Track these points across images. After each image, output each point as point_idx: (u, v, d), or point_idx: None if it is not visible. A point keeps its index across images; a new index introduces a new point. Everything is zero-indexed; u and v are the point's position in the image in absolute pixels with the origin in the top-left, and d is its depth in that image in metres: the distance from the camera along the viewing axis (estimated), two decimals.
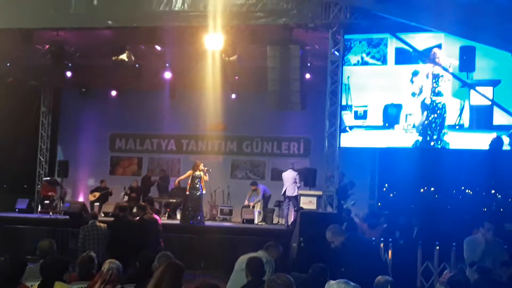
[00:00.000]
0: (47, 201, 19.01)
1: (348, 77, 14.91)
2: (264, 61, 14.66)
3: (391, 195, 18.27)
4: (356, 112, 15.31)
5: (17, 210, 18.19)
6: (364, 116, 15.32)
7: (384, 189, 18.51)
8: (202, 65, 16.19)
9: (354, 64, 15.13)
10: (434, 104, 14.71)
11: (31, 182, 21.30)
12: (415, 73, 14.79)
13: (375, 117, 15.11)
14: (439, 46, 14.54)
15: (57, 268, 6.09)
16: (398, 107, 15.16)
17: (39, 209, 19.21)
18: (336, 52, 13.77)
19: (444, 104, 14.68)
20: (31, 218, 17.03)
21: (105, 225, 12.22)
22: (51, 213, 18.11)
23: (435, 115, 14.66)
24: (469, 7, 9.08)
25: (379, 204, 17.84)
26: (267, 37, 14.60)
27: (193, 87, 17.87)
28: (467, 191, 16.10)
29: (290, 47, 14.09)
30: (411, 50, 14.36)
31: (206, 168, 16.37)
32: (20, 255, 7.79)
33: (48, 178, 20.52)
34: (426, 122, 14.65)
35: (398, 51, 14.95)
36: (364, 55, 15.21)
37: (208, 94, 17.05)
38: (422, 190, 17.11)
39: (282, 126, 19.68)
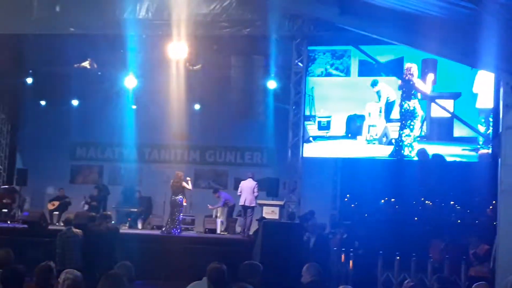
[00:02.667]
0: (5, 210, 18.59)
1: (312, 88, 15.05)
2: (228, 71, 14.72)
3: (352, 205, 18.42)
4: (319, 123, 15.47)
5: None
6: (327, 126, 15.49)
7: (346, 199, 18.65)
8: (165, 74, 16.14)
9: (318, 75, 15.29)
10: (402, 116, 14.95)
11: None
12: (374, 83, 15.03)
13: (338, 128, 15.29)
14: (401, 59, 14.81)
15: (16, 278, 5.96)
16: (361, 118, 15.37)
17: None
18: (299, 63, 13.91)
19: (412, 115, 14.95)
20: None
21: (81, 231, 12.02)
22: (9, 222, 17.73)
23: (403, 126, 14.92)
24: (431, 22, 9.27)
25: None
26: (232, 47, 14.67)
27: (157, 96, 17.75)
28: (427, 202, 16.36)
29: (254, 57, 14.21)
30: (373, 62, 14.57)
31: (188, 178, 16.28)
32: None
33: (6, 186, 20.09)
34: (394, 133, 14.88)
35: (362, 63, 15.17)
36: (328, 66, 15.39)
37: (171, 103, 16.94)
38: (382, 201, 17.32)
39: (245, 136, 19.68)
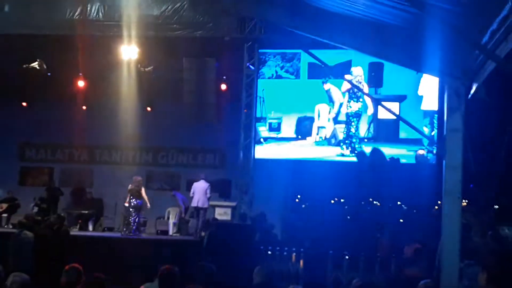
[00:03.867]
0: None
1: (263, 90, 15.21)
2: (180, 73, 14.78)
3: (303, 206, 18.63)
4: (270, 124, 15.65)
5: None
6: (278, 128, 15.70)
7: (297, 200, 18.86)
8: (117, 75, 16.07)
9: (269, 78, 15.48)
10: (351, 119, 15.26)
11: None
12: (324, 81, 15.30)
13: (289, 130, 15.48)
14: (349, 63, 15.13)
15: None
16: (310, 120, 15.62)
17: None
18: (251, 66, 14.07)
19: (358, 117, 15.29)
20: None
21: (32, 234, 11.86)
22: None
23: (351, 127, 15.23)
24: (378, 26, 9.50)
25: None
26: (183, 49, 14.72)
27: (108, 97, 17.60)
28: (374, 202, 16.72)
29: (206, 59, 14.29)
30: (322, 65, 14.82)
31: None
32: None
33: None
34: (342, 134, 15.18)
35: (311, 65, 15.42)
36: (278, 69, 15.59)
37: (123, 104, 16.86)
38: (332, 201, 17.60)
39: (197, 138, 19.69)
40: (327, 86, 15.58)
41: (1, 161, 20.59)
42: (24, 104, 19.79)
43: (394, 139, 15.12)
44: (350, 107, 15.49)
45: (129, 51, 14.25)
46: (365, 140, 15.07)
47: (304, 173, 17.10)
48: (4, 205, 18.72)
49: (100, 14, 14.02)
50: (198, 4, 13.54)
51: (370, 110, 15.44)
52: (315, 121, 15.48)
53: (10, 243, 11.77)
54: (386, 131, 15.23)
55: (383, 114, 15.07)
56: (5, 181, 20.51)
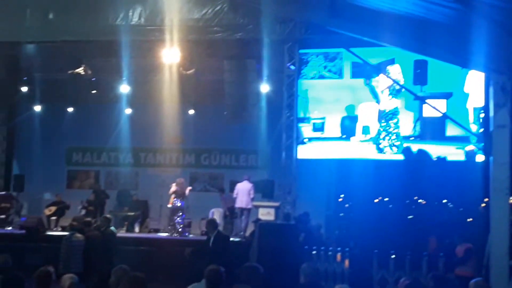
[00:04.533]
0: (2, 216, 18.65)
1: (306, 90, 15.15)
2: (221, 75, 14.84)
3: (346, 205, 18.53)
4: (314, 124, 15.57)
5: None
6: (321, 128, 15.60)
7: (340, 199, 18.77)
8: (159, 79, 16.27)
9: (312, 78, 15.41)
10: (389, 116, 15.10)
11: None
12: (368, 86, 15.17)
13: (333, 129, 15.39)
14: (392, 60, 14.96)
15: (17, 284, 6.08)
16: (354, 119, 15.49)
17: None
18: (291, 66, 14.04)
19: (398, 116, 15.11)
20: None
21: (83, 236, 12.13)
22: (6, 228, 17.80)
23: (390, 126, 15.06)
24: (422, 24, 9.38)
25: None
26: (224, 51, 14.80)
27: (151, 100, 17.85)
28: (419, 201, 16.50)
29: (247, 61, 14.33)
30: (365, 64, 14.73)
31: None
32: None
33: (3, 193, 20.16)
34: (383, 133, 15.03)
35: (354, 64, 15.29)
36: (321, 69, 15.51)
37: (165, 107, 17.05)
38: (376, 200, 17.45)
39: (240, 139, 19.79)
40: (371, 82, 15.42)
41: (50, 165, 21.08)
42: (70, 109, 20.21)
43: (440, 136, 14.87)
44: (389, 105, 15.33)
45: (171, 55, 14.39)
46: (411, 138, 14.86)
47: (347, 173, 17.02)
48: (53, 208, 19.15)
49: (142, 19, 14.19)
50: (238, 7, 13.60)
51: (411, 108, 15.18)
52: (359, 120, 15.36)
53: (62, 245, 12.05)
54: (432, 129, 14.98)
55: (428, 112, 14.83)
56: (53, 184, 21.03)
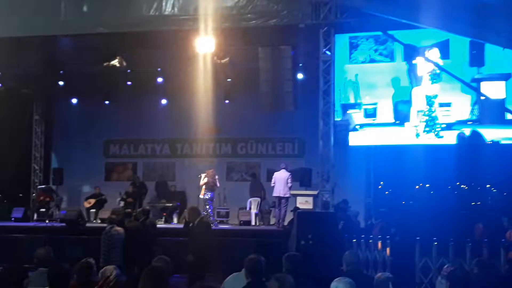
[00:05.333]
0: (43, 209, 18.92)
1: (356, 75, 14.81)
2: (256, 63, 14.70)
3: (386, 192, 18.26)
4: (366, 110, 15.19)
5: (13, 219, 18.12)
6: (374, 114, 15.21)
7: (380, 186, 18.50)
8: (194, 68, 16.20)
9: (362, 62, 15.03)
10: (431, 102, 14.69)
11: (26, 191, 21.24)
12: (410, 69, 14.76)
13: (386, 115, 15.01)
14: (446, 42, 14.40)
15: (63, 276, 6.08)
16: (408, 103, 15.02)
17: (35, 217, 19.09)
18: (327, 52, 13.82)
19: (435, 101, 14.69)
20: (27, 226, 16.91)
21: (122, 229, 12.20)
22: (47, 221, 18.05)
23: (431, 111, 14.66)
24: (473, 6, 9.05)
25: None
26: (258, 38, 14.64)
27: (186, 91, 17.79)
28: (462, 186, 16.12)
29: (281, 48, 14.15)
30: (403, 47, 14.35)
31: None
32: (19, 264, 7.76)
33: (43, 186, 20.45)
34: (427, 117, 14.65)
35: (407, 47, 14.78)
36: (372, 52, 15.10)
37: (200, 97, 16.97)
38: (417, 187, 17.13)
39: (276, 127, 19.67)
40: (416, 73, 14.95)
41: (88, 158, 21.32)
42: (106, 101, 20.35)
43: (500, 120, 14.28)
44: (431, 90, 14.92)
45: (205, 44, 14.30)
46: (469, 122, 14.37)
47: (386, 159, 16.75)
48: (92, 201, 19.37)
49: (175, 8, 14.13)
50: None
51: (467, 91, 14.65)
52: (413, 105, 14.92)
53: (102, 239, 12.12)
54: (491, 112, 14.40)
55: (488, 94, 14.23)
56: (92, 177, 21.27)
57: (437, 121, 14.65)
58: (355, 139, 14.70)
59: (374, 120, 15.16)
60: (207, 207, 16.67)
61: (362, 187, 18.40)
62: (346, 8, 13.30)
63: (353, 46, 14.50)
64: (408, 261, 11.97)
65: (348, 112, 15.50)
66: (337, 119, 14.72)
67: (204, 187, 16.75)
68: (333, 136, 14.02)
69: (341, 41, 15.15)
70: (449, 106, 14.97)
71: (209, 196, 16.73)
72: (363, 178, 18.46)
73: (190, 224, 11.09)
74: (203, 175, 16.94)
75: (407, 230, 13.03)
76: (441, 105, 14.83)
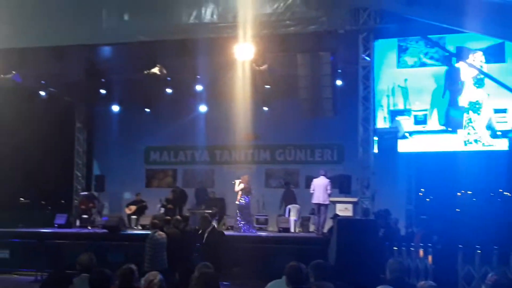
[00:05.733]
0: (85, 216, 19.21)
1: (406, 79, 14.40)
2: (294, 69, 14.66)
3: (427, 199, 17.99)
4: (416, 117, 14.76)
5: (56, 225, 18.40)
6: (424, 120, 14.74)
7: (421, 193, 18.23)
8: (232, 75, 16.28)
9: (412, 66, 14.60)
10: (475, 106, 14.30)
11: (69, 197, 21.60)
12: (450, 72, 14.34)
13: (437, 122, 14.50)
14: (502, 45, 13.91)
15: (104, 281, 6.15)
16: (461, 109, 14.50)
17: (77, 223, 19.39)
18: (366, 57, 13.71)
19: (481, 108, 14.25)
20: (70, 232, 17.18)
21: (165, 234, 12.24)
22: (89, 227, 18.30)
23: (475, 115, 14.28)
24: (502, 7, 8.90)
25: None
26: (297, 45, 14.62)
27: (225, 98, 17.89)
28: (505, 193, 15.76)
29: (320, 54, 14.08)
30: (446, 53, 14.03)
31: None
32: (63, 270, 7.88)
33: (85, 193, 20.79)
34: (498, 124, 14.24)
35: (459, 49, 14.24)
36: (422, 55, 14.66)
37: (239, 103, 17.02)
38: (459, 194, 16.81)
39: (314, 133, 19.59)
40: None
41: (129, 165, 21.59)
42: (147, 108, 20.57)
43: None
44: (474, 95, 14.52)
45: (244, 51, 14.34)
46: None
47: (428, 166, 16.50)
48: (133, 207, 19.57)
49: (215, 16, 14.23)
50: None
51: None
52: (465, 111, 14.40)
53: (146, 243, 12.16)
54: None
55: None
56: (133, 184, 21.51)
57: (474, 130, 14.20)
58: (402, 145, 14.31)
59: (424, 127, 14.67)
60: (242, 213, 16.82)
61: (402, 194, 18.16)
62: (386, 13, 13.18)
63: (402, 50, 14.09)
64: (450, 269, 11.78)
65: (397, 118, 15.10)
66: (385, 126, 14.35)
67: (240, 193, 16.82)
68: (380, 143, 13.82)
69: (389, 44, 14.81)
70: (505, 112, 14.42)
71: (245, 201, 16.78)
72: (403, 185, 18.23)
73: (200, 232, 11.06)
74: (237, 181, 17.05)
75: (450, 238, 12.80)
76: (497, 111, 14.35)
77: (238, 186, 16.93)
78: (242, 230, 16.53)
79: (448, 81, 14.67)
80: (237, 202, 17.05)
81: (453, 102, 14.49)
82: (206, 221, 11.24)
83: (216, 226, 18.15)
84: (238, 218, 16.90)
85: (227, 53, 14.87)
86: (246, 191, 16.86)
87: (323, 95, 14.37)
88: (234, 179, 19.99)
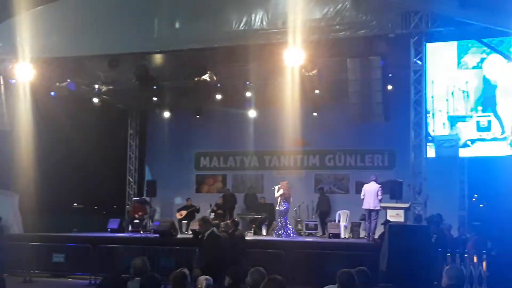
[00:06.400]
0: (137, 220, 19.49)
1: (467, 82, 14.03)
2: (344, 74, 14.59)
3: (481, 205, 17.62)
4: (478, 123, 13.88)
5: (109, 230, 18.71)
6: (488, 127, 13.84)
7: (474, 199, 17.87)
8: (282, 81, 16.33)
9: (473, 67, 13.95)
10: None
11: (121, 202, 22.00)
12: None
13: (500, 127, 13.59)
14: None
15: (154, 285, 6.24)
16: None
17: (129, 228, 19.71)
18: (418, 61, 13.52)
19: None
20: (123, 237, 17.46)
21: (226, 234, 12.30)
22: (141, 232, 18.57)
23: None
24: None
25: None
26: (347, 50, 14.54)
27: (274, 103, 17.93)
28: None
29: (371, 58, 13.96)
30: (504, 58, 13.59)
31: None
32: (117, 274, 8.03)
33: (138, 198, 21.14)
34: None
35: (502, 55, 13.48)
36: (484, 55, 13.89)
37: (288, 109, 16.98)
38: None
39: (365, 139, 19.42)
40: None
41: (180, 171, 21.88)
42: (197, 114, 20.80)
43: None
44: None
45: (293, 57, 14.35)
46: None
47: (481, 171, 16.15)
48: (184, 212, 19.76)
49: (264, 22, 14.29)
50: (360, 3, 13.31)
51: None
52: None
53: (197, 248, 12.21)
54: None
55: None
56: (183, 189, 21.77)
57: None
58: (463, 151, 13.77)
59: (488, 134, 13.65)
60: (282, 219, 16.85)
61: (455, 199, 17.82)
62: (438, 17, 12.98)
63: (462, 50, 13.52)
64: (506, 276, 11.49)
65: (457, 125, 14.19)
66: (444, 132, 13.80)
67: (279, 198, 16.88)
68: (440, 151, 13.53)
69: (447, 45, 14.28)
70: None
71: (285, 207, 16.88)
72: (456, 190, 17.89)
73: (199, 236, 10.26)
74: (276, 187, 17.15)
75: (505, 245, 12.50)
76: None
77: (278, 192, 17.00)
78: (282, 236, 16.55)
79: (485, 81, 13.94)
80: (277, 208, 17.16)
81: None
82: (206, 223, 10.34)
83: (265, 231, 18.31)
84: (278, 224, 16.93)
85: (277, 59, 14.91)
86: (285, 197, 16.94)
87: (374, 99, 14.23)
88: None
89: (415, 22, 13.17)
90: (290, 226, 17.07)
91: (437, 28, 13.11)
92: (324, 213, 18.94)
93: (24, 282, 14.98)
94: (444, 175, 16.33)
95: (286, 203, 16.97)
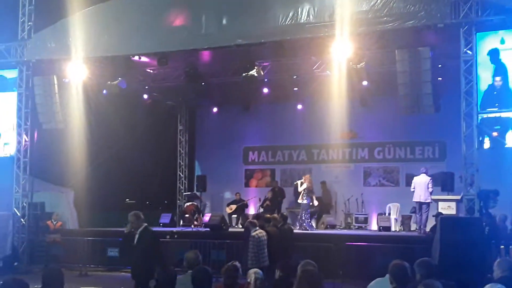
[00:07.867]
0: (187, 215, 19.75)
1: None
2: (392, 66, 14.44)
3: None
4: None
5: (161, 224, 19.03)
6: None
7: None
8: (329, 74, 16.28)
9: None
10: None
11: (172, 197, 22.34)
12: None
13: None
14: None
15: (206, 278, 6.37)
16: None
17: (181, 222, 20.01)
18: (468, 51, 13.28)
19: None
20: (175, 231, 17.69)
21: (265, 232, 12.40)
22: (192, 226, 18.84)
23: None
24: None
25: None
26: (395, 41, 14.38)
27: (321, 97, 17.90)
28: None
29: (420, 49, 13.74)
30: None
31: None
32: (170, 266, 8.20)
33: (188, 193, 21.44)
34: None
35: None
36: None
37: (336, 102, 16.94)
38: None
39: (414, 130, 19.17)
40: None
41: (229, 165, 22.08)
42: (245, 109, 20.96)
43: None
44: None
45: (341, 49, 14.30)
46: None
47: None
48: (233, 207, 19.95)
49: (311, 16, 14.26)
50: None
51: None
52: None
53: (250, 241, 12.34)
54: None
55: None
56: (232, 183, 21.97)
57: None
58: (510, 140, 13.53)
59: None
60: (303, 213, 16.93)
61: (509, 190, 17.42)
62: (489, 5, 12.72)
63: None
64: None
65: None
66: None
67: (302, 192, 16.85)
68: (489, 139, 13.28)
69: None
70: None
71: (306, 201, 16.94)
72: (510, 181, 17.48)
73: (132, 230, 9.32)
74: (299, 182, 17.21)
75: None
76: None
77: (301, 186, 17.03)
78: (308, 229, 16.70)
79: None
80: (299, 201, 17.23)
81: None
82: (139, 219, 9.29)
83: (314, 225, 18.31)
84: (303, 217, 16.95)
85: (324, 52, 14.90)
86: (308, 191, 17.01)
87: (423, 91, 13.99)
88: (331, 178, 20.06)
89: (465, 12, 12.94)
90: (308, 221, 17.16)
91: (488, 17, 12.83)
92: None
93: (79, 276, 15.41)
94: (497, 166, 15.94)
95: (308, 198, 17.04)
